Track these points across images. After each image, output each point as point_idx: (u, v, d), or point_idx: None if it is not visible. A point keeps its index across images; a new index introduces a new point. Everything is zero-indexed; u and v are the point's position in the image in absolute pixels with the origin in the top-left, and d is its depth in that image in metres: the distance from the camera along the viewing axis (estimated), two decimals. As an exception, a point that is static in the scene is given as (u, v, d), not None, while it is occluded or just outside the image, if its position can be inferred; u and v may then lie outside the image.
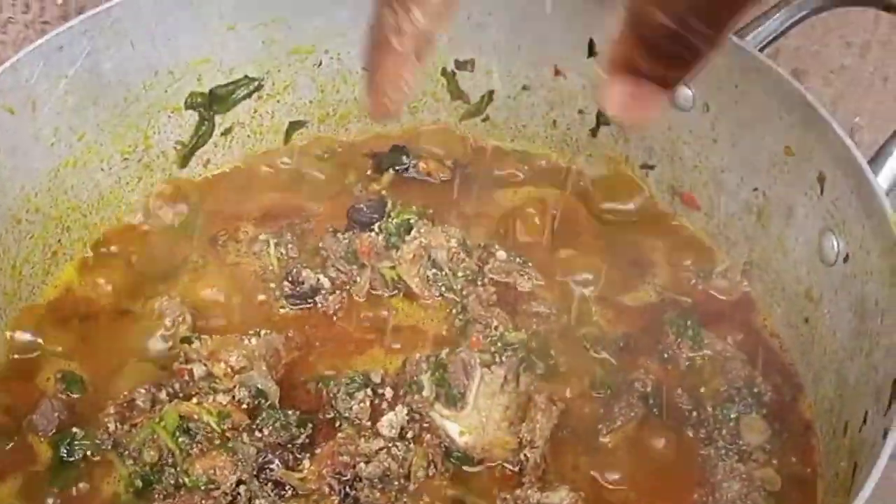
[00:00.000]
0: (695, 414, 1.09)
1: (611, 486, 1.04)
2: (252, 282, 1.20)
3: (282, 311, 1.17)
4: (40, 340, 1.13)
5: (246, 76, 1.27)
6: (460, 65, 1.31)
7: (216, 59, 1.24)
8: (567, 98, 1.30)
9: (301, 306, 1.18)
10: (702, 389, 1.11)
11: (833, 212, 1.05)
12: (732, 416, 1.08)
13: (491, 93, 1.33)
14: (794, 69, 1.44)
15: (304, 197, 1.30)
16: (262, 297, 1.19)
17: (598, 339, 1.15)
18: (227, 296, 1.19)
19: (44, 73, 1.09)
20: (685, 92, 1.19)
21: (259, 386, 1.07)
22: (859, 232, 1.00)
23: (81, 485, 1.02)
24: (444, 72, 1.32)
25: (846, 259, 1.03)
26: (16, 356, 1.12)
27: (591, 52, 1.24)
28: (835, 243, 1.05)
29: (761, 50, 1.14)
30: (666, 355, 1.14)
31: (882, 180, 0.99)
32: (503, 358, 1.08)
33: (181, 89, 1.24)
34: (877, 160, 1.01)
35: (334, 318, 1.17)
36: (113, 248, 1.23)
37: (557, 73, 1.28)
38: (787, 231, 1.14)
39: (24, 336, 1.13)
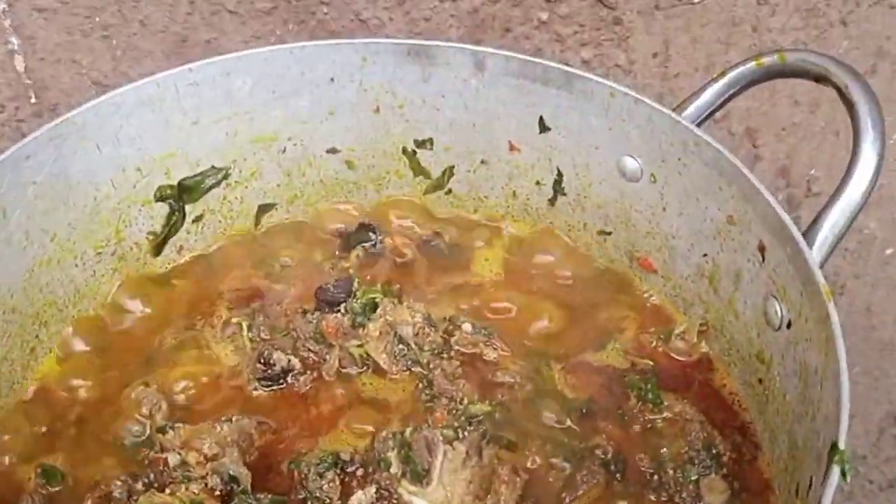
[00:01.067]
0: (656, 477, 1.11)
1: (575, 554, 1.07)
2: (226, 366, 1.24)
3: (255, 393, 1.21)
4: (24, 437, 1.16)
5: (213, 166, 1.32)
6: (419, 144, 1.36)
7: (182, 153, 1.28)
8: (524, 171, 1.34)
9: (273, 387, 1.21)
10: (663, 451, 1.14)
11: (774, 278, 1.08)
12: (693, 477, 1.11)
13: (451, 167, 1.37)
14: (746, 128, 1.48)
15: (275, 278, 1.34)
16: (235, 381, 1.22)
17: (561, 407, 1.18)
18: (202, 382, 1.22)
19: (12, 183, 1.14)
20: (632, 163, 1.23)
21: (231, 472, 1.10)
22: (798, 299, 1.04)
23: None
24: (404, 151, 1.36)
25: (789, 325, 1.07)
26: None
27: (543, 127, 1.28)
28: (777, 309, 1.08)
29: (702, 121, 1.18)
30: (627, 419, 1.17)
31: (816, 251, 1.03)
32: (465, 433, 1.11)
33: (150, 184, 1.28)
34: (811, 232, 1.05)
35: (305, 397, 1.20)
36: (90, 340, 1.26)
37: (513, 148, 1.32)
38: (737, 295, 1.17)
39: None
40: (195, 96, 1.25)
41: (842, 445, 0.87)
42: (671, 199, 1.22)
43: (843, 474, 0.86)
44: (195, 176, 1.31)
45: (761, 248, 1.10)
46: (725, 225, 1.15)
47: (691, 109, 1.19)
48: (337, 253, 1.36)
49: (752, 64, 1.16)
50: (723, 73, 1.18)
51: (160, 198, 1.30)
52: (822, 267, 1.01)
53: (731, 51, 1.42)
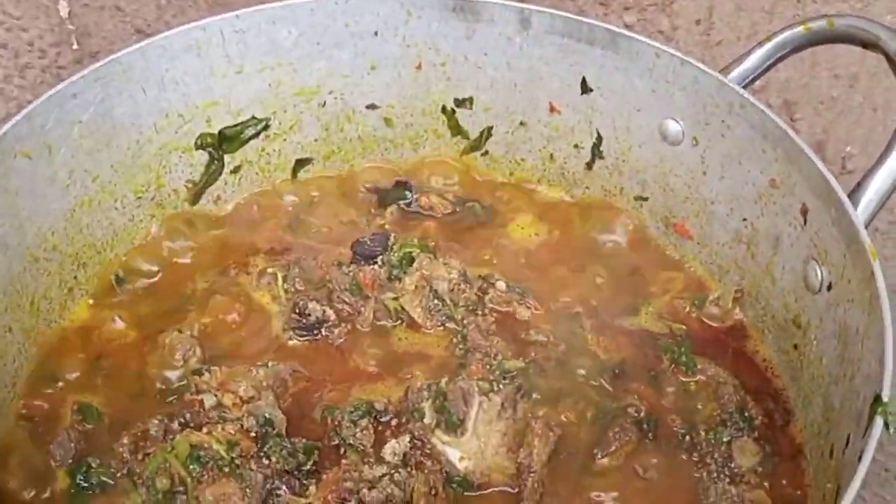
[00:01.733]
0: (688, 438, 1.12)
1: (606, 509, 1.07)
2: (261, 314, 1.25)
3: (290, 342, 1.21)
4: (62, 375, 1.18)
5: (253, 117, 1.32)
6: (459, 103, 1.36)
7: (224, 102, 1.29)
8: (563, 133, 1.34)
9: (307, 338, 1.22)
10: (695, 414, 1.14)
11: (816, 242, 1.09)
12: (725, 439, 1.11)
13: (490, 128, 1.38)
14: (784, 100, 1.48)
15: (311, 231, 1.34)
16: (270, 329, 1.23)
17: (594, 367, 1.18)
18: (237, 328, 1.23)
19: (58, 120, 1.15)
20: (674, 126, 1.23)
21: (267, 415, 1.11)
22: (840, 261, 1.04)
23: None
24: (443, 110, 1.37)
25: (829, 287, 1.07)
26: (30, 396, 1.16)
27: (585, 89, 1.28)
28: (818, 272, 1.09)
29: (745, 86, 1.18)
30: (660, 381, 1.17)
31: (861, 212, 1.03)
32: (501, 385, 1.12)
33: (191, 131, 1.29)
34: (856, 193, 1.05)
35: (340, 348, 1.21)
36: (126, 284, 1.27)
37: (553, 109, 1.33)
38: (775, 260, 1.18)
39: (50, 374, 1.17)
40: (240, 43, 1.26)
41: (885, 398, 0.87)
42: (712, 162, 1.22)
43: (887, 425, 0.86)
44: (236, 125, 1.32)
45: (804, 211, 1.10)
46: (767, 188, 1.15)
47: (736, 73, 1.19)
48: (372, 210, 1.37)
49: (799, 28, 1.16)
50: (769, 38, 1.18)
51: (200, 145, 1.31)
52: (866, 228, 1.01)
53: (775, 20, 1.42)
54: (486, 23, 1.28)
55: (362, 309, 1.23)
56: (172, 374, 1.18)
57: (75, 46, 1.46)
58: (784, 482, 1.09)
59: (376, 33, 1.30)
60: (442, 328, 1.22)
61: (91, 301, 1.25)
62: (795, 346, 1.15)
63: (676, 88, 1.20)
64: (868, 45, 1.11)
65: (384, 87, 1.35)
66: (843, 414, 1.01)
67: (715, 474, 1.09)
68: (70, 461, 1.09)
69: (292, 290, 1.26)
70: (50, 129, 1.14)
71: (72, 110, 1.16)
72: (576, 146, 1.34)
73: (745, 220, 1.21)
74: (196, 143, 1.30)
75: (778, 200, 1.14)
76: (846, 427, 0.98)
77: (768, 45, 1.18)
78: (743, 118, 1.15)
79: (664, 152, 1.26)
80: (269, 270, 1.28)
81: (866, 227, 1.01)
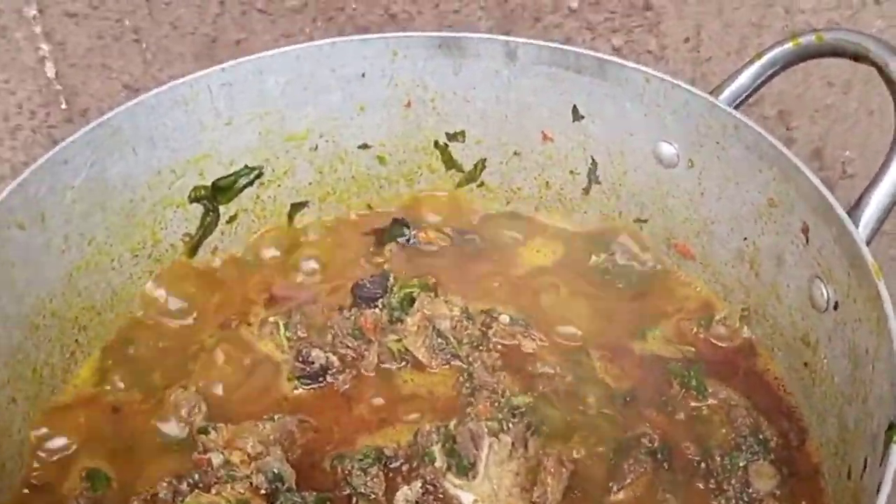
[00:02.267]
0: (703, 465, 1.10)
1: (625, 544, 1.06)
2: (264, 365, 1.23)
3: (294, 392, 1.20)
4: (68, 441, 1.16)
5: (246, 166, 1.32)
6: (451, 137, 1.35)
7: (215, 154, 1.28)
8: (557, 160, 1.33)
9: (313, 386, 1.21)
10: (709, 439, 1.13)
11: (819, 260, 1.07)
12: (741, 464, 1.09)
13: (483, 160, 1.37)
14: (779, 111, 1.47)
15: (310, 277, 1.33)
16: (274, 380, 1.22)
17: (604, 396, 1.17)
18: (241, 382, 1.22)
19: (50, 187, 1.14)
20: (669, 149, 1.22)
21: (276, 470, 1.09)
22: (845, 280, 1.02)
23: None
24: (436, 144, 1.36)
25: (836, 306, 1.05)
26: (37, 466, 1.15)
27: (576, 116, 1.28)
28: (824, 291, 1.07)
29: (738, 106, 1.17)
30: (671, 407, 1.16)
31: (863, 229, 1.02)
32: (510, 424, 1.11)
33: (185, 185, 1.28)
34: (857, 210, 1.03)
35: (345, 395, 1.19)
36: (127, 345, 1.26)
37: (546, 137, 1.32)
38: (779, 278, 1.16)
39: (57, 442, 1.16)
40: (228, 96, 1.25)
41: (900, 425, 0.86)
42: (709, 183, 1.21)
43: (903, 454, 0.85)
44: (229, 176, 1.31)
45: (805, 230, 1.08)
46: (766, 207, 1.14)
47: (727, 93, 1.18)
48: (371, 249, 1.36)
49: (788, 45, 1.15)
50: (759, 55, 1.17)
51: (195, 199, 1.30)
52: (868, 245, 0.99)
53: (763, 33, 1.41)
54: (472, 58, 1.27)
55: (366, 353, 1.22)
56: (179, 433, 1.17)
57: (64, 106, 1.46)
58: (804, 503, 1.08)
59: (363, 75, 1.29)
60: (447, 366, 1.21)
61: (94, 364, 1.24)
62: (806, 364, 1.14)
63: (668, 112, 1.19)
64: (859, 57, 1.10)
65: (374, 126, 1.34)
66: (859, 435, 1.00)
67: (733, 501, 1.07)
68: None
69: (295, 337, 1.25)
70: (42, 197, 1.14)
71: (63, 176, 1.15)
72: (571, 172, 1.33)
73: (745, 239, 1.20)
74: (190, 197, 1.30)
75: (778, 219, 1.13)
76: (862, 449, 0.97)
77: (758, 63, 1.17)
78: (737, 139, 1.14)
79: (660, 175, 1.25)
80: (271, 319, 1.27)
81: (868, 244, 1.00)
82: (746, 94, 1.17)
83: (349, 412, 1.19)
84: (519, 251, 1.35)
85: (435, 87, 1.30)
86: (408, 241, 1.36)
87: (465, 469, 1.08)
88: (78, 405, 1.21)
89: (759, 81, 1.17)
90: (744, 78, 1.17)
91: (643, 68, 1.19)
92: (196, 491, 1.08)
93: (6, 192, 1.09)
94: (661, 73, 1.18)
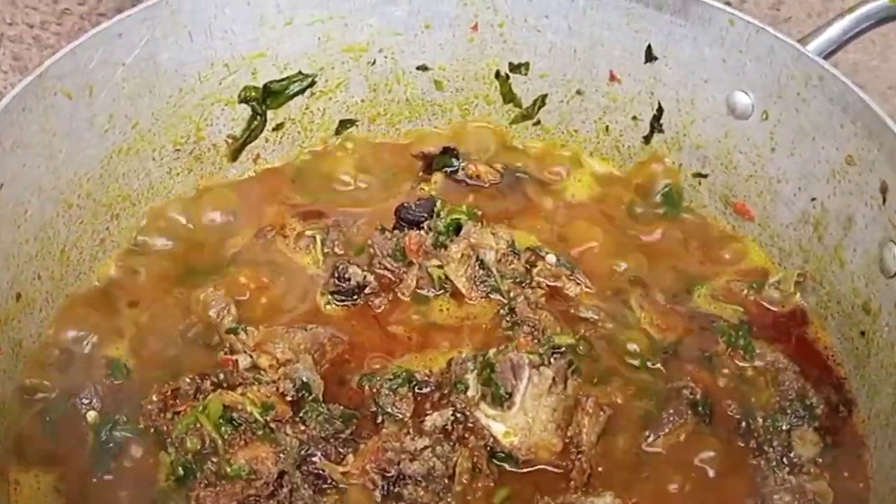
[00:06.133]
0: (745, 424, 1.07)
1: (657, 494, 1.02)
2: (298, 277, 1.19)
3: (327, 307, 1.16)
4: (86, 333, 1.12)
5: (300, 72, 1.27)
6: (514, 68, 1.30)
7: (271, 54, 1.24)
8: (621, 104, 1.28)
9: (346, 303, 1.17)
10: (752, 400, 1.09)
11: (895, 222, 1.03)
12: (784, 427, 1.06)
13: (544, 96, 1.32)
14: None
15: (353, 195, 1.29)
16: (306, 294, 1.18)
17: (646, 347, 1.13)
18: (273, 290, 1.18)
19: (102, 60, 1.10)
20: (744, 99, 1.18)
21: (304, 379, 1.06)
22: (923, 243, 0.98)
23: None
24: (497, 75, 1.31)
25: (909, 271, 1.01)
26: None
27: (650, 57, 1.23)
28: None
29: (824, 59, 1.12)
30: (715, 364, 1.12)
31: (948, 190, 0.98)
32: (552, 360, 1.07)
33: (236, 82, 1.24)
34: (943, 169, 0.99)
35: (379, 316, 1.15)
36: (159, 238, 1.22)
37: (613, 78, 1.27)
38: (845, 242, 1.12)
39: (70, 333, 1.13)
40: (293, -7, 1.21)
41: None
42: (782, 138, 1.16)
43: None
44: (281, 80, 1.27)
45: (884, 189, 1.04)
46: (842, 165, 1.09)
47: (812, 45, 1.13)
48: (420, 174, 1.31)
49: (884, 1, 1.11)
50: (851, 9, 1.12)
51: (244, 99, 1.26)
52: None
53: (848, -2, 1.36)
54: (549, -18, 1.22)
55: (404, 276, 1.18)
56: (206, 332, 1.13)
57: (118, -7, 1.42)
58: (846, 474, 1.05)
59: (434, -12, 1.25)
60: (486, 299, 1.17)
61: (122, 255, 1.20)
62: (862, 333, 1.10)
63: (749, 58, 1.14)
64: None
65: (437, 47, 1.29)
66: (917, 405, 0.96)
67: (773, 463, 1.04)
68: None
69: (331, 254, 1.21)
70: (93, 69, 1.09)
71: (116, 51, 1.11)
72: (634, 118, 1.29)
73: (813, 199, 1.15)
74: (239, 97, 1.25)
75: (853, 178, 1.08)
76: (922, 418, 0.93)
77: (850, 17, 1.12)
78: (820, 91, 1.09)
79: (730, 127, 1.21)
80: (308, 233, 1.23)
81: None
82: (833, 48, 1.13)
83: (382, 334, 1.15)
84: (569, 193, 1.30)
85: (506, 10, 1.25)
86: (456, 171, 1.32)
87: (501, 399, 1.04)
88: (102, 294, 1.17)
89: (847, 36, 1.12)
90: (832, 31, 1.13)
91: (729, 9, 1.14)
92: (220, 390, 1.04)
93: (59, 54, 1.05)
94: (746, 16, 1.13)
